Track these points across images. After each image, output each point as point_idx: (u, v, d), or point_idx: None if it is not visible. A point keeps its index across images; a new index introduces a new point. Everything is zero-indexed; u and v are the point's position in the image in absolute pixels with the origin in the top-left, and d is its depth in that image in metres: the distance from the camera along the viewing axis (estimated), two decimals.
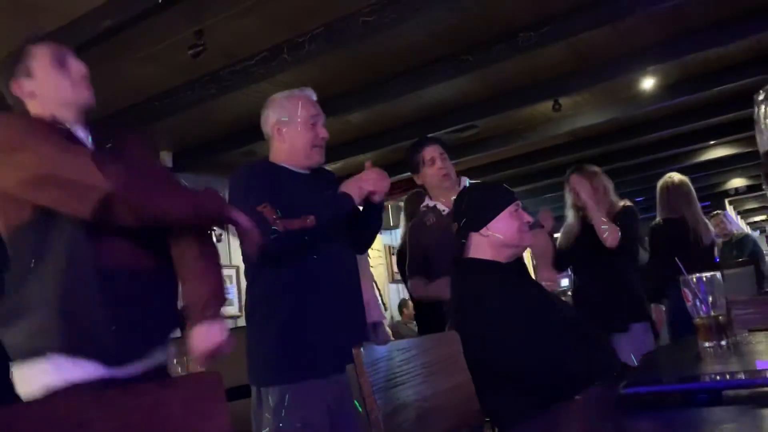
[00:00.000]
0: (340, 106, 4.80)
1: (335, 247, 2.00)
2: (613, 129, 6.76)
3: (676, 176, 3.81)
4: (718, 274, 1.68)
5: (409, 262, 2.79)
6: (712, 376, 0.92)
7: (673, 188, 3.76)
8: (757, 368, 1.00)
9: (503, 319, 1.64)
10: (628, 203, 3.33)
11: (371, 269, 8.28)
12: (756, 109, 0.58)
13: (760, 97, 0.57)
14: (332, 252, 1.98)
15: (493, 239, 1.83)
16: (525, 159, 7.42)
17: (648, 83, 5.46)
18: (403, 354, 1.31)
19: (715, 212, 6.56)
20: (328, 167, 6.30)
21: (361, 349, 1.13)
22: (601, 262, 3.18)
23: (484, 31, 4.09)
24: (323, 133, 2.10)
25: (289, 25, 3.71)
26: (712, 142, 7.78)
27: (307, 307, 1.91)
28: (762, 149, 0.57)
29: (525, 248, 1.96)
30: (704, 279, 1.62)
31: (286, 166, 2.05)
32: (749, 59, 5.19)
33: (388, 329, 4.34)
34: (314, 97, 2.14)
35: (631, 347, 2.79)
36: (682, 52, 4.66)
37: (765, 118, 0.58)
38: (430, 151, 2.70)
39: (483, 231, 1.84)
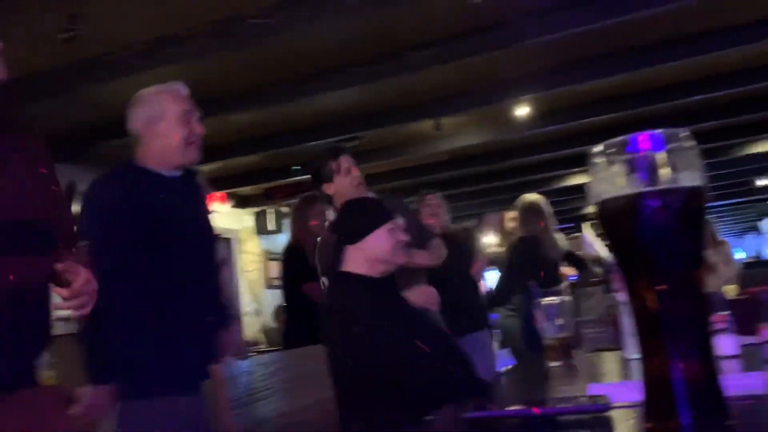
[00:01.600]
0: (225, 106, 4.70)
1: (195, 255, 1.94)
2: (489, 150, 7.11)
3: (531, 197, 4.14)
4: (569, 298, 1.82)
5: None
6: (550, 401, 1.00)
7: (527, 209, 4.09)
8: (589, 393, 1.09)
9: (368, 333, 1.68)
10: (467, 226, 3.65)
11: (247, 273, 8.12)
12: (592, 162, 0.64)
13: (598, 152, 0.63)
14: (191, 262, 1.92)
15: (367, 254, 1.88)
16: (406, 173, 7.60)
17: (523, 110, 5.79)
18: (266, 368, 1.30)
19: (575, 234, 7.07)
20: (208, 167, 6.09)
21: (220, 365, 1.11)
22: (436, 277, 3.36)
23: (373, 46, 4.17)
24: (198, 129, 2.02)
25: (177, 19, 3.59)
26: (576, 170, 8.36)
27: (162, 321, 1.84)
28: (592, 201, 0.63)
29: (398, 265, 2.02)
30: (555, 302, 1.75)
31: (155, 170, 1.97)
32: (614, 95, 5.65)
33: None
34: (185, 92, 2.06)
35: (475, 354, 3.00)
36: (554, 84, 5.00)
37: (600, 173, 0.64)
38: (346, 161, 2.72)
39: (358, 245, 1.88)
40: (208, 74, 4.18)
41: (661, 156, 0.64)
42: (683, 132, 0.66)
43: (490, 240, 5.47)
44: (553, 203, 4.76)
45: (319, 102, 4.98)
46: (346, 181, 2.68)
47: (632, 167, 0.64)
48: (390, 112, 5.39)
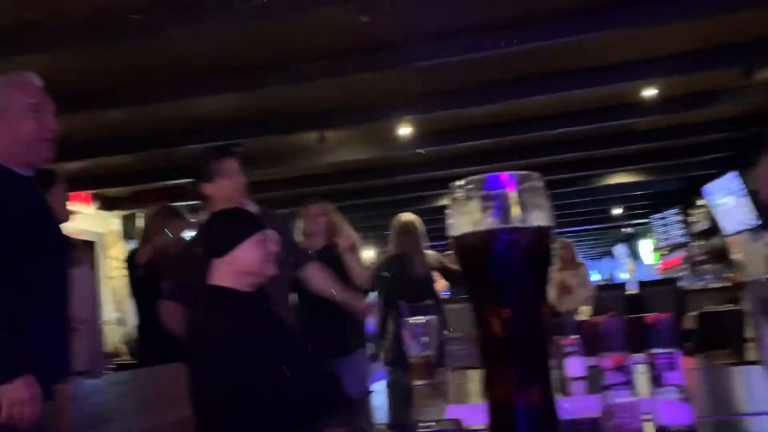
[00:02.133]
0: (97, 101, 4.44)
1: (45, 261, 1.80)
2: (372, 166, 7.22)
3: (405, 216, 4.26)
4: (435, 317, 1.88)
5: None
6: (410, 425, 1.02)
7: (400, 227, 4.21)
8: (448, 415, 1.13)
9: (230, 350, 1.64)
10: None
11: (111, 280, 7.65)
12: (452, 196, 0.67)
13: (458, 186, 0.66)
14: (41, 268, 1.78)
15: (234, 267, 1.83)
16: (289, 183, 7.54)
17: (405, 130, 5.93)
18: (120, 387, 1.23)
19: (449, 252, 7.33)
20: (74, 164, 5.70)
21: (69, 384, 1.04)
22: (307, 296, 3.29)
23: (258, 54, 4.11)
24: (52, 124, 1.87)
25: (46, 5, 3.35)
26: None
27: (11, 330, 1.69)
28: (449, 233, 0.66)
29: (267, 277, 1.98)
30: (421, 321, 1.79)
31: (7, 166, 1.81)
32: (492, 123, 5.95)
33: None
34: (37, 83, 1.90)
35: (349, 373, 2.99)
36: (435, 107, 5.19)
37: (458, 207, 0.66)
38: (232, 164, 2.63)
39: (226, 258, 1.84)
40: (79, 67, 3.93)
41: (513, 195, 0.68)
42: (535, 174, 0.70)
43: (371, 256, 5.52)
44: (433, 221, 4.91)
45: (200, 105, 4.83)
46: (227, 185, 2.60)
47: (487, 204, 0.68)
48: (274, 122, 5.33)
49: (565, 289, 5.93)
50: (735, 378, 1.56)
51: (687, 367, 1.93)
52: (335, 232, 3.57)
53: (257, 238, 1.87)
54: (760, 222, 7.74)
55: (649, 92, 5.54)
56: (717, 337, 5.68)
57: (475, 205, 0.69)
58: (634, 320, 0.92)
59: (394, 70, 4.43)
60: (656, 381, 0.84)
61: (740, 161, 7.88)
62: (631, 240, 14.59)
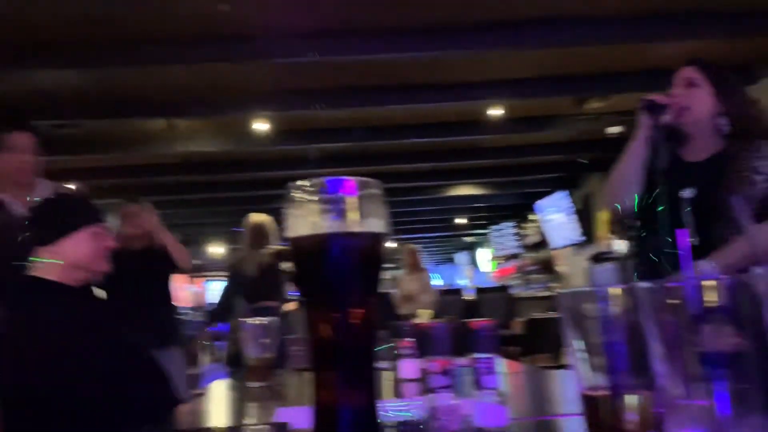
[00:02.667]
0: None
1: None
2: (224, 159, 7.00)
3: (257, 217, 4.21)
4: (275, 319, 1.85)
5: None
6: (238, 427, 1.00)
7: (249, 227, 4.16)
8: (278, 417, 1.12)
9: (52, 349, 1.50)
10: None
11: None
12: (290, 197, 0.66)
13: (297, 187, 0.65)
14: None
15: (63, 258, 1.68)
16: (132, 171, 7.10)
17: (262, 125, 5.83)
18: None
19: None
20: None
21: None
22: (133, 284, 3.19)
23: (103, 30, 3.83)
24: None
25: None
26: None
27: None
28: (287, 234, 0.65)
29: (100, 274, 1.84)
30: (261, 323, 1.76)
31: None
32: (348, 126, 6.01)
33: None
34: None
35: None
36: (292, 106, 5.15)
37: (297, 208, 0.66)
38: (22, 138, 2.38)
39: (53, 247, 1.68)
40: None
41: (352, 201, 0.69)
42: (374, 182, 0.71)
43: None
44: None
45: (37, 80, 4.40)
46: (9, 161, 2.37)
47: (325, 207, 0.68)
48: (118, 105, 4.99)
49: (408, 294, 6.14)
50: (550, 380, 1.70)
51: (512, 370, 2.07)
52: (154, 233, 3.42)
53: (93, 229, 1.74)
54: (583, 238, 8.54)
55: (495, 112, 5.90)
56: (541, 341, 6.16)
57: (313, 207, 0.68)
58: (460, 325, 0.97)
59: (252, 64, 4.34)
60: (476, 384, 0.89)
61: (570, 182, 8.66)
62: (471, 248, 15.44)
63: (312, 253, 0.67)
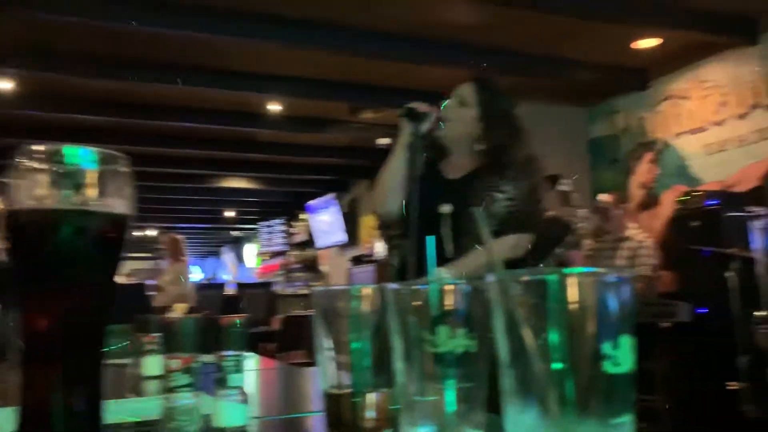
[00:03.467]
0: None
1: None
2: None
3: None
4: None
5: None
6: None
7: None
8: None
9: None
10: None
11: None
12: (15, 165, 0.56)
13: (23, 153, 0.55)
14: None
15: None
16: None
17: (5, 85, 5.08)
18: None
19: None
20: None
21: None
22: None
23: None
24: None
25: None
26: None
27: None
28: (6, 205, 0.55)
29: None
30: None
31: None
32: (108, 100, 5.51)
33: None
34: None
35: None
36: (46, 67, 4.60)
37: (22, 177, 0.56)
38: None
39: None
40: None
41: (92, 175, 0.60)
42: (123, 157, 0.63)
43: None
44: None
45: None
46: None
47: (57, 179, 0.59)
48: None
49: (163, 285, 5.82)
50: (301, 378, 1.71)
51: (265, 367, 2.05)
52: None
53: None
54: (347, 240, 8.89)
55: (274, 107, 5.87)
56: (298, 339, 6.25)
57: (41, 177, 0.59)
58: (209, 321, 0.92)
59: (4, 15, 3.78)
60: (221, 382, 0.85)
61: (340, 185, 8.96)
62: (238, 243, 15.19)
63: (33, 230, 0.57)
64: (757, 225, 2.92)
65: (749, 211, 2.93)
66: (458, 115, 1.98)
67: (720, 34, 4.39)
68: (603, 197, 4.32)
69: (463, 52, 4.63)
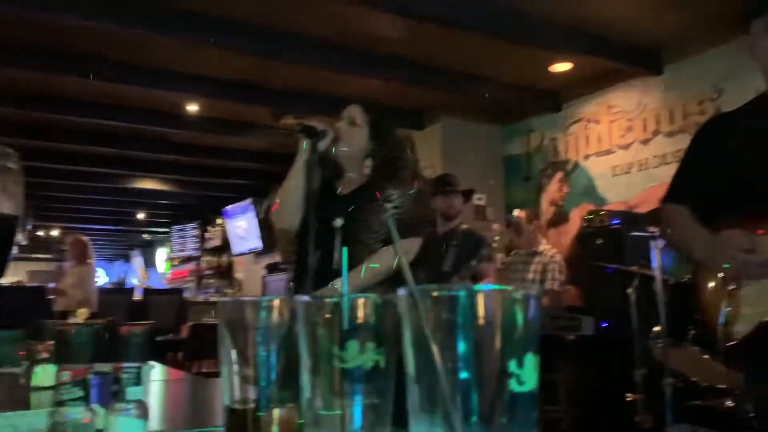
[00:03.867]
0: None
1: None
2: None
3: None
4: None
5: None
6: None
7: None
8: None
9: None
10: None
11: None
12: None
13: None
14: None
15: None
16: None
17: None
18: None
19: None
20: None
21: None
22: None
23: None
24: None
25: None
26: None
27: None
28: None
29: None
30: None
31: None
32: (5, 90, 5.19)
33: None
34: None
35: None
36: None
37: None
38: None
39: None
40: None
41: None
42: (13, 153, 0.59)
43: None
44: None
45: None
46: None
47: None
48: None
49: (64, 289, 5.53)
50: (207, 389, 1.65)
51: (171, 378, 1.97)
52: None
53: None
54: (263, 247, 8.74)
55: (192, 107, 5.71)
56: (207, 348, 6.06)
57: None
58: (108, 329, 0.86)
59: None
60: (117, 396, 0.80)
61: (257, 191, 8.81)
62: (149, 247, 14.64)
63: None
64: (656, 244, 3.09)
65: (649, 231, 3.09)
66: (351, 136, 2.09)
67: (627, 64, 4.65)
68: (516, 213, 4.46)
69: (386, 64, 4.67)
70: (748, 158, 1.54)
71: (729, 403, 2.66)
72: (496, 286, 0.42)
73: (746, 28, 1.59)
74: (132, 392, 0.79)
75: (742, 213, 1.51)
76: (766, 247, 1.42)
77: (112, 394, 0.79)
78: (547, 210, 5.29)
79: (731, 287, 1.48)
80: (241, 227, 9.27)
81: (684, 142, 1.81)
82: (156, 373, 1.80)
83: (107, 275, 15.34)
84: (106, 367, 0.84)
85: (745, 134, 1.57)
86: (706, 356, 2.76)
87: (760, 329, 1.42)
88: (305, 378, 0.56)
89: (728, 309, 1.48)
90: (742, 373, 1.85)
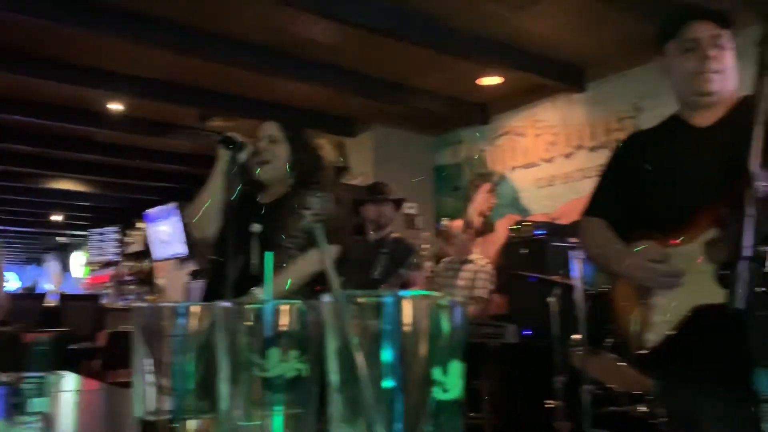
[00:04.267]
0: None
1: None
2: None
3: None
4: None
5: None
6: None
7: None
8: None
9: None
10: None
11: None
12: None
13: None
14: None
15: None
16: None
17: None
18: None
19: None
20: None
21: None
22: None
23: None
24: None
25: None
26: None
27: None
28: None
29: None
30: None
31: None
32: None
33: None
34: None
35: None
36: None
37: None
38: None
39: None
40: None
41: None
42: None
43: None
44: None
45: None
46: None
47: None
48: None
49: None
50: (123, 400, 1.58)
51: (85, 388, 1.87)
52: None
53: None
54: (186, 252, 8.49)
55: (115, 106, 5.50)
56: (126, 356, 5.83)
57: None
58: (9, 337, 0.80)
59: None
60: (18, 408, 0.74)
61: (182, 194, 8.54)
62: (64, 250, 13.96)
63: None
64: (576, 255, 3.19)
65: (571, 242, 3.20)
66: (273, 154, 2.13)
67: (553, 79, 4.81)
68: (446, 222, 4.51)
69: (318, 70, 4.65)
70: (659, 174, 1.62)
71: (643, 408, 2.77)
72: (423, 292, 0.41)
73: (662, 50, 1.68)
74: (35, 404, 0.74)
75: (654, 226, 1.57)
76: (675, 258, 1.49)
77: (13, 406, 0.74)
78: (474, 220, 5.39)
79: (643, 297, 1.54)
80: (165, 231, 8.97)
81: (605, 157, 1.88)
82: (67, 383, 1.70)
83: (19, 280, 14.53)
84: (6, 377, 0.78)
85: (657, 151, 1.65)
86: (622, 364, 2.86)
87: (668, 339, 1.48)
88: (223, 387, 0.53)
89: (639, 318, 1.54)
90: (653, 380, 1.93)
